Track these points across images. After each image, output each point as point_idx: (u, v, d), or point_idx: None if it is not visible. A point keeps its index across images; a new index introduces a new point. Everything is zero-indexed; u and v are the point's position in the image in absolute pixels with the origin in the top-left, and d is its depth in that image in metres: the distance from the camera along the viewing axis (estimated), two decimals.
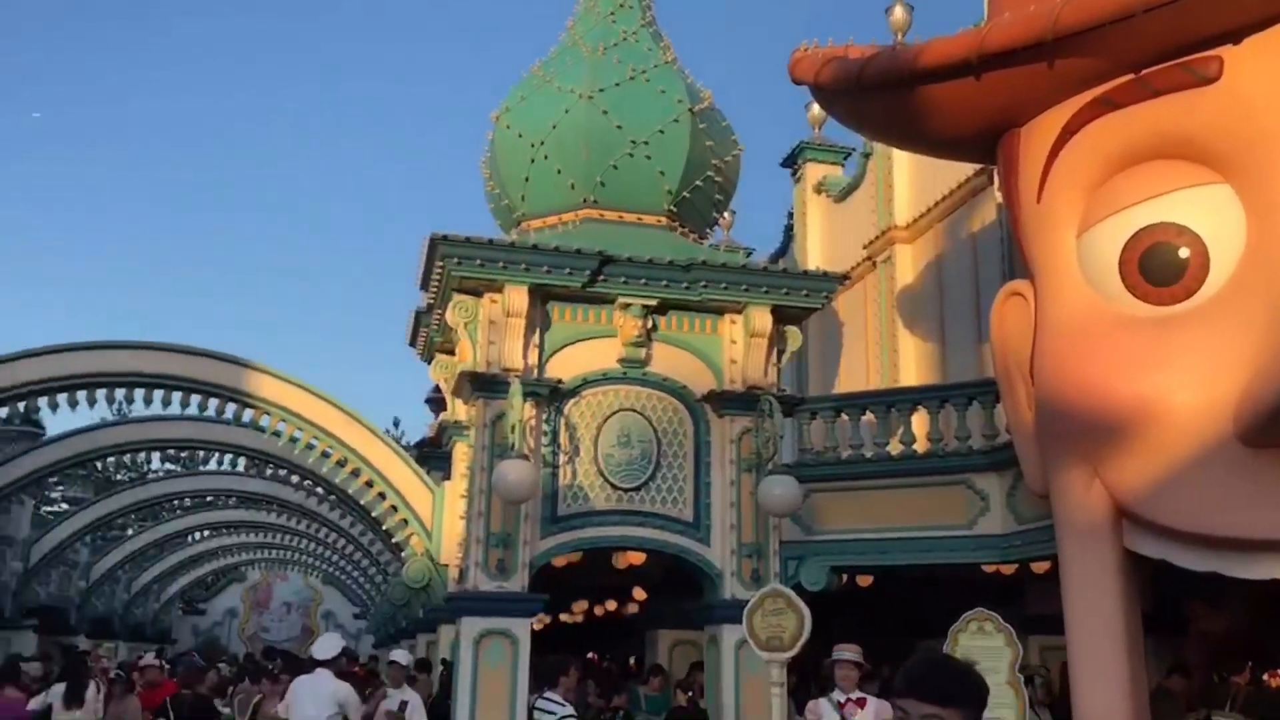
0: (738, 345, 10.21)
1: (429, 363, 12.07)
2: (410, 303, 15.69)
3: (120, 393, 11.36)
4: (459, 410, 10.93)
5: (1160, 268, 5.74)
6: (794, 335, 10.60)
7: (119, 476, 33.10)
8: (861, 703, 7.86)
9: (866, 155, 14.59)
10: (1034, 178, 6.34)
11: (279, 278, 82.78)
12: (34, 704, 10.29)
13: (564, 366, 9.85)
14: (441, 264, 9.59)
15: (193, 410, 11.20)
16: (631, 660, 15.01)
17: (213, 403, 10.83)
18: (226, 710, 12.17)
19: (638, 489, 9.75)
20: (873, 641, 9.24)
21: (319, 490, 16.20)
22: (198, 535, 26.52)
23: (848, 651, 8.06)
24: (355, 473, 10.44)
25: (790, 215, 17.17)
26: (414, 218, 66.63)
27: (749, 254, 13.25)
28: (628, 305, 9.89)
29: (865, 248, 14.20)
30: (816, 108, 14.04)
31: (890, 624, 11.04)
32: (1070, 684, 6.34)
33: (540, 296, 9.80)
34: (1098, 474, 5.95)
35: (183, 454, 27.25)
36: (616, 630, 15.27)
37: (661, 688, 10.87)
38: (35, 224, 75.72)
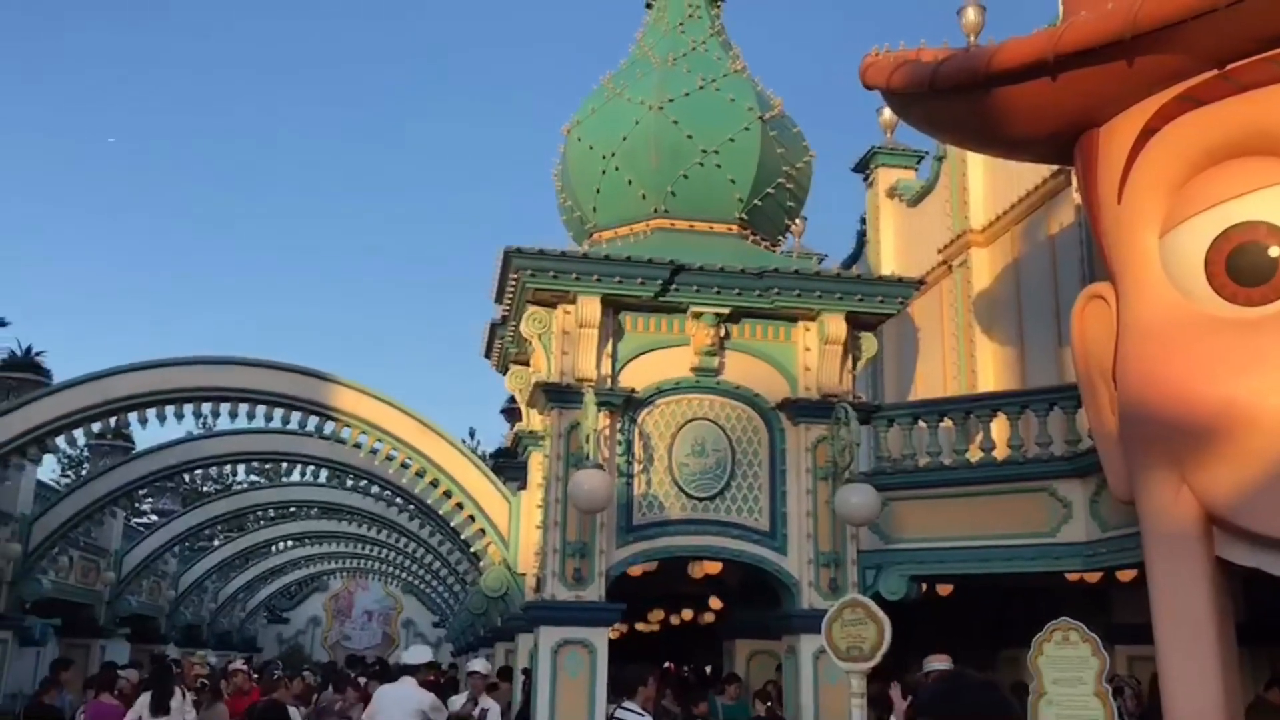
0: (812, 352, 10.15)
1: (504, 374, 12.25)
2: (485, 315, 15.93)
3: (207, 407, 11.74)
4: (534, 420, 11.05)
5: (1249, 267, 5.58)
6: (869, 341, 10.51)
7: (206, 489, 34.03)
8: None
9: (940, 159, 14.45)
10: (1114, 178, 6.21)
11: (360, 291, 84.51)
12: (130, 716, 10.33)
13: (637, 376, 9.89)
14: (515, 276, 9.70)
15: (276, 423, 11.53)
16: (708, 669, 14.97)
17: (295, 416, 11.13)
18: (304, 711, 12.33)
19: (712, 498, 9.74)
20: (955, 651, 9.14)
21: (398, 500, 16.50)
22: (281, 545, 27.18)
23: (940, 663, 7.95)
24: (434, 483, 10.61)
25: (863, 220, 17.06)
26: (492, 230, 67.69)
27: (821, 260, 13.18)
28: (700, 314, 9.89)
29: (940, 252, 14.07)
30: (888, 112, 13.95)
31: (973, 633, 10.88)
32: (1161, 696, 6.18)
33: (613, 307, 9.86)
34: (1185, 480, 5.79)
35: (267, 466, 28.06)
36: (693, 639, 15.27)
37: (737, 696, 10.86)
38: (120, 244, 78.25)
